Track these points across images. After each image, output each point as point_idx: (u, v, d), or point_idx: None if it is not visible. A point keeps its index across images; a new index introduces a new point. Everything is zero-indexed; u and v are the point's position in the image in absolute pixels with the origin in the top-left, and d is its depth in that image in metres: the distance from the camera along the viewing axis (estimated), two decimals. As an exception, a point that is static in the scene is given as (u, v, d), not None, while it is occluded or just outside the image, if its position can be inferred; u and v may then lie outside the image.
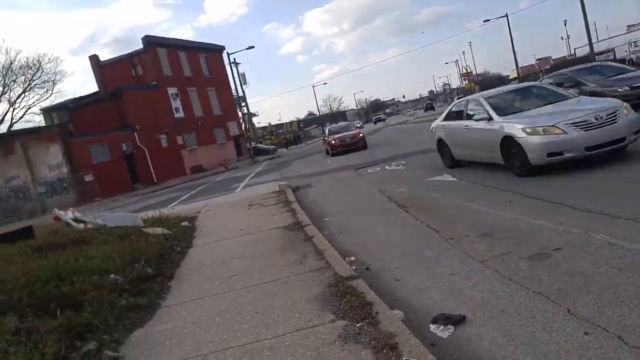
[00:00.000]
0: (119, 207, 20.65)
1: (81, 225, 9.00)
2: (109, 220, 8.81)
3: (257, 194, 12.84)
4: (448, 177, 9.25)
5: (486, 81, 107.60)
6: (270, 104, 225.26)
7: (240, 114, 50.11)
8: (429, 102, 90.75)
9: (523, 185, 6.90)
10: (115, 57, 38.31)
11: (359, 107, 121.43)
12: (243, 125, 50.36)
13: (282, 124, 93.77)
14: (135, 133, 32.42)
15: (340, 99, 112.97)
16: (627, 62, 41.86)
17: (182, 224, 9.07)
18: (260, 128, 78.11)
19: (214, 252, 6.83)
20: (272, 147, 50.73)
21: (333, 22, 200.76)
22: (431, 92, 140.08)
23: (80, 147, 28.97)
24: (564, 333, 2.77)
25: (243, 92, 48.38)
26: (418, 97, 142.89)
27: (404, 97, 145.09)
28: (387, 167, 13.36)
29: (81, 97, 40.05)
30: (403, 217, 6.91)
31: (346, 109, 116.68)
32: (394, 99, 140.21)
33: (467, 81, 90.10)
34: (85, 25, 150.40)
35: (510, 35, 51.18)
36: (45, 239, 8.03)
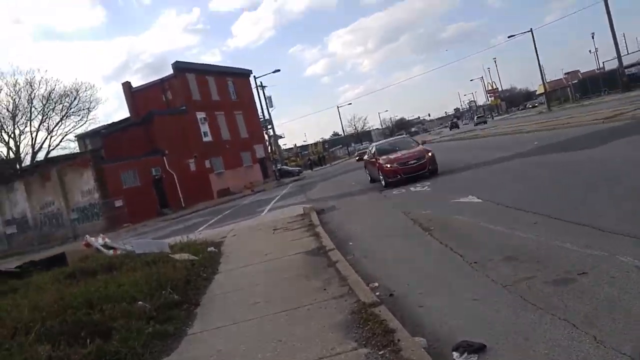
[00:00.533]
0: (147, 233, 21.16)
1: (111, 252, 9.29)
2: (137, 247, 9.07)
3: (282, 217, 12.97)
4: (473, 198, 9.14)
5: (513, 97, 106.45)
6: (295, 125, 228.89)
7: (266, 137, 50.93)
8: (454, 121, 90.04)
9: (546, 206, 6.75)
10: (146, 83, 39.83)
11: (384, 127, 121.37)
12: (269, 147, 51.11)
13: (308, 145, 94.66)
14: (164, 157, 33.32)
15: (365, 119, 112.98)
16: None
17: (209, 249, 9.24)
18: (286, 150, 79.09)
19: (238, 279, 6.92)
20: (297, 168, 51.24)
21: (357, 42, 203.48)
22: (457, 109, 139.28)
23: (112, 173, 29.89)
24: (590, 362, 2.71)
25: (269, 114, 49.38)
26: (444, 114, 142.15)
27: (429, 115, 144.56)
28: (411, 189, 13.27)
29: (113, 123, 41.57)
30: (427, 240, 6.87)
31: (371, 128, 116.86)
32: (419, 117, 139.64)
33: (492, 98, 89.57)
34: (119, 53, 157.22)
35: (536, 51, 50.75)
36: (76, 265, 8.34)
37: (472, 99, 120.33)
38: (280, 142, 71.05)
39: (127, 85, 39.70)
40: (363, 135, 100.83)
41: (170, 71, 37.60)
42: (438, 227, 7.44)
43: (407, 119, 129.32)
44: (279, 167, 46.87)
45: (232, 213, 21.03)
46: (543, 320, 3.36)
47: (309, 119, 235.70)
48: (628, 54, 50.76)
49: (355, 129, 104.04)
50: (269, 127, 50.67)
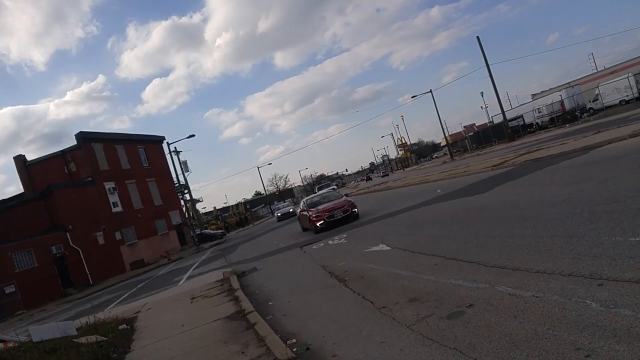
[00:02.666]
0: (46, 319, 19.09)
1: (0, 345, 8.34)
2: (36, 334, 8.25)
3: (201, 285, 12.62)
4: (383, 246, 9.72)
5: (421, 149, 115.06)
6: (215, 187, 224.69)
7: (182, 202, 49.49)
8: (368, 175, 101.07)
9: (445, 249, 7.44)
10: (44, 156, 37.15)
11: (305, 183, 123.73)
12: (186, 212, 49.58)
13: (229, 206, 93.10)
14: (67, 233, 30.78)
15: (286, 177, 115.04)
16: (534, 126, 46.85)
17: (120, 327, 8.71)
18: (206, 213, 77.08)
19: (153, 354, 6.63)
20: (220, 231, 50.04)
21: (275, 104, 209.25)
22: (372, 163, 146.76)
23: (0, 256, 26.71)
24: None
25: (185, 179, 48.33)
26: (360, 168, 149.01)
27: (347, 170, 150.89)
28: (330, 242, 13.70)
29: (2, 201, 37.90)
30: (342, 291, 7.17)
31: (293, 185, 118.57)
32: (337, 172, 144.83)
33: (403, 151, 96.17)
34: (6, 123, 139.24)
35: (436, 108, 56.05)
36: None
37: (385, 153, 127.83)
38: (200, 205, 69.40)
39: (20, 159, 36.77)
40: (285, 193, 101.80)
41: (73, 141, 35.73)
42: (352, 277, 7.82)
43: (326, 174, 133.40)
44: (198, 232, 45.41)
45: (146, 285, 19.87)
46: (437, 352, 3.74)
47: (229, 180, 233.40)
48: (511, 108, 57.94)
49: (277, 187, 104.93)
50: (185, 192, 49.46)
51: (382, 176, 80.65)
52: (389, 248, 9.41)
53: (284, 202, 51.65)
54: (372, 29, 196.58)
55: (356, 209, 17.51)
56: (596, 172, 10.21)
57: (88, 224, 32.40)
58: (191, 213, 51.33)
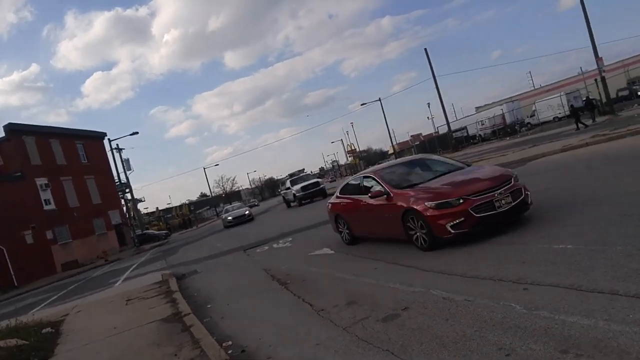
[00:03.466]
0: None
1: None
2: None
3: (138, 287, 12.10)
4: (327, 250, 9.77)
5: (370, 156, 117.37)
6: (158, 187, 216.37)
7: (123, 201, 47.38)
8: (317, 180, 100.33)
9: (386, 253, 7.59)
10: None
11: (253, 187, 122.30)
12: (127, 212, 47.51)
13: (172, 207, 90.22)
14: (-11, 232, 28.59)
15: (234, 179, 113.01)
16: (477, 138, 49.17)
17: (43, 331, 8.14)
18: (148, 214, 74.19)
19: (78, 359, 6.24)
20: (164, 232, 48.32)
21: (224, 105, 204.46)
22: (322, 168, 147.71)
23: None
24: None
25: (127, 178, 46.24)
26: (310, 173, 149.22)
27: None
28: (275, 246, 13.59)
29: None
30: (283, 294, 7.11)
31: (240, 188, 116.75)
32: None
33: (352, 157, 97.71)
34: None
35: (385, 117, 57.59)
36: None
37: (335, 159, 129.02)
38: (142, 206, 66.75)
39: None
40: (232, 196, 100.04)
41: (1, 132, 33.22)
42: (294, 280, 7.78)
43: (276, 178, 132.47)
44: (141, 232, 43.60)
45: (79, 287, 18.78)
46: (370, 353, 3.79)
47: (173, 180, 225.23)
48: (457, 119, 60.48)
49: (224, 189, 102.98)
50: (127, 191, 47.38)
51: (330, 181, 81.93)
52: (332, 252, 9.46)
53: (232, 204, 43.48)
54: (324, 34, 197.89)
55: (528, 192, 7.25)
56: (530, 183, 10.82)
57: (15, 221, 30.13)
58: (132, 213, 49.23)
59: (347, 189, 9.63)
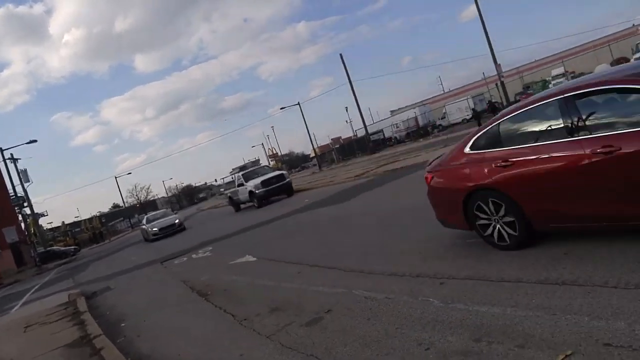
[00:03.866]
0: None
1: None
2: None
3: (39, 310, 10.96)
4: (249, 257, 9.54)
5: (292, 160, 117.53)
6: (65, 200, 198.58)
7: (21, 217, 42.92)
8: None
9: (309, 256, 7.58)
10: None
11: (170, 195, 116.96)
12: (26, 229, 43.11)
13: (81, 220, 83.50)
14: None
15: (149, 188, 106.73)
16: (392, 140, 51.41)
17: None
18: (52, 229, 68.02)
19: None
20: (73, 247, 44.53)
21: (135, 110, 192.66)
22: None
23: None
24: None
25: (25, 191, 41.92)
26: (231, 179, 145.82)
27: (216, 180, 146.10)
28: (194, 256, 13.05)
29: None
30: (203, 306, 6.81)
31: (156, 197, 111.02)
32: (206, 183, 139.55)
33: (274, 161, 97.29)
34: None
35: (304, 121, 57.58)
36: None
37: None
38: (45, 220, 60.99)
39: None
40: (147, 205, 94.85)
41: None
42: (215, 291, 7.49)
43: (194, 185, 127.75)
44: (44, 250, 39.74)
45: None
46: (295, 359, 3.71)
47: (81, 192, 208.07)
48: (373, 123, 62.68)
49: (138, 199, 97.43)
50: (25, 205, 43.01)
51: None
52: (255, 259, 9.26)
53: (155, 212, 33.14)
54: (240, 38, 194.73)
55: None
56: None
57: None
58: (32, 229, 44.78)
59: (507, 134, 4.63)
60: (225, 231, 16.31)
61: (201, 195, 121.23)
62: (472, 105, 42.90)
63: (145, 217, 29.07)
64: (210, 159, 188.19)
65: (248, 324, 5.13)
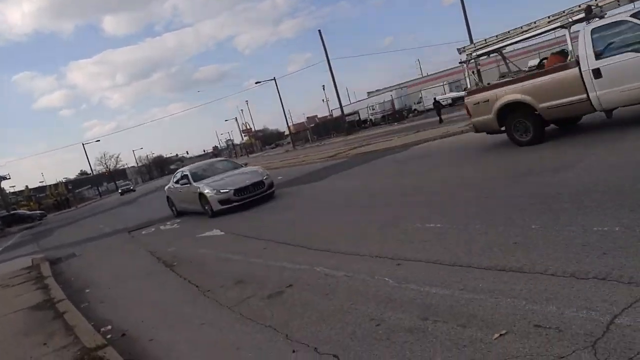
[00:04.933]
0: None
1: None
2: None
3: (2, 273, 10.85)
4: (217, 231, 9.65)
5: (266, 136, 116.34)
6: (30, 164, 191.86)
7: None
8: (213, 159, 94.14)
9: (272, 233, 7.74)
10: None
11: (140, 164, 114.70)
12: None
13: (46, 186, 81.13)
14: None
15: (118, 157, 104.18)
16: (368, 122, 51.56)
17: None
18: (14, 193, 65.88)
19: None
20: (39, 212, 43.37)
21: (104, 75, 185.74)
22: (216, 147, 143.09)
23: None
24: (279, 355, 3.36)
25: (-13, 151, 40.41)
26: (203, 152, 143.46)
27: (187, 153, 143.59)
28: (161, 227, 13.04)
29: None
30: (168, 276, 6.91)
31: (125, 166, 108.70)
32: (177, 155, 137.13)
33: (247, 137, 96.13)
34: None
35: (280, 97, 57.16)
36: None
37: (230, 138, 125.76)
38: (7, 184, 58.94)
39: None
40: (117, 174, 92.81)
41: None
42: (181, 262, 7.60)
43: (165, 156, 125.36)
44: (8, 213, 38.63)
45: None
46: (253, 330, 3.91)
47: (47, 156, 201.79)
48: (350, 103, 62.60)
49: (107, 167, 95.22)
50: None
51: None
52: (222, 233, 9.37)
53: (212, 159, 23.09)
54: (216, 6, 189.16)
55: None
56: (412, 167, 11.76)
57: None
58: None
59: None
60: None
61: (172, 167, 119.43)
62: (448, 91, 43.28)
63: (189, 171, 14.21)
64: (182, 131, 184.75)
65: (211, 295, 5.28)
